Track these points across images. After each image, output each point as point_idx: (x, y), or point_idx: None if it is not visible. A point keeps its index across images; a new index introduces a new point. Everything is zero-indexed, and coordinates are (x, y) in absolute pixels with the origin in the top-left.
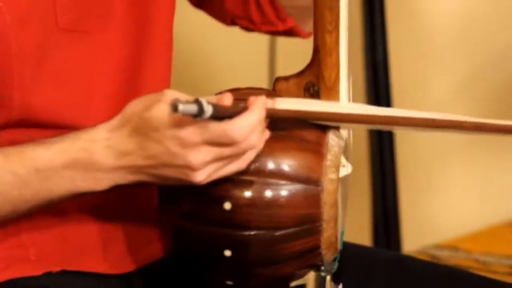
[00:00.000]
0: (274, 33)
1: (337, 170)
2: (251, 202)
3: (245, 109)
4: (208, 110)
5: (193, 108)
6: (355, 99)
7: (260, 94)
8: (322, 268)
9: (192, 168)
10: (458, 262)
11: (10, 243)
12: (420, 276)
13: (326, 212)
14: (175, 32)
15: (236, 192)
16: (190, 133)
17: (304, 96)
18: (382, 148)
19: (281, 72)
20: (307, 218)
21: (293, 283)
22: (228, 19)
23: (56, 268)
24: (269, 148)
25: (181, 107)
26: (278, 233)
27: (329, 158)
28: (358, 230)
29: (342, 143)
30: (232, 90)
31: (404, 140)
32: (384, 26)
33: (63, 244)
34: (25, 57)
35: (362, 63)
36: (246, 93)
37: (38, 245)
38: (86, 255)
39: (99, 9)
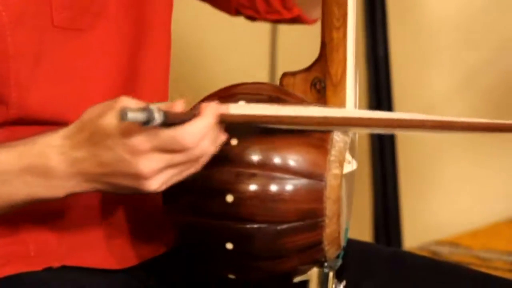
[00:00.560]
0: (280, 21)
1: (341, 166)
2: (254, 195)
3: (196, 115)
4: (158, 117)
5: (142, 115)
6: None
7: (265, 88)
8: (325, 264)
9: (144, 176)
10: (458, 258)
11: (10, 240)
12: (420, 273)
13: (329, 208)
14: (174, 30)
15: (240, 185)
16: (140, 140)
17: (311, 92)
18: (383, 145)
19: (282, 68)
20: (310, 213)
21: (296, 279)
22: (232, 9)
23: (56, 264)
24: (274, 142)
25: (129, 115)
26: (280, 227)
27: (334, 153)
28: (359, 226)
29: (348, 139)
30: (238, 85)
31: (405, 137)
32: (385, 23)
33: (64, 240)
34: (22, 55)
35: (364, 61)
36: (252, 88)
37: (38, 241)
38: (88, 251)
39: (94, 7)
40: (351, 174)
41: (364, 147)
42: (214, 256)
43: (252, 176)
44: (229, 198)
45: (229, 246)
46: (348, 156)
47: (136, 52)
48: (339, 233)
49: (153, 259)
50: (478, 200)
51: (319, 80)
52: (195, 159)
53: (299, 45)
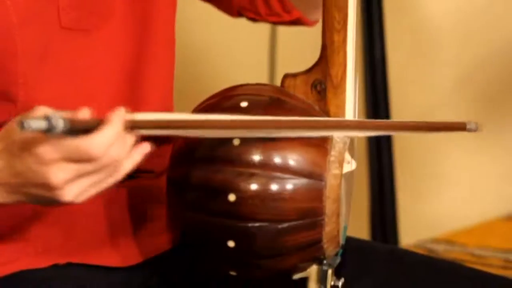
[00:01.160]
0: (280, 23)
1: (341, 166)
2: (256, 195)
3: (101, 123)
4: (59, 125)
5: (42, 124)
6: None
7: (266, 89)
8: (324, 262)
9: (55, 187)
10: (454, 255)
11: (17, 237)
12: (416, 270)
13: (329, 207)
14: (177, 30)
15: (242, 185)
16: (46, 150)
17: (312, 93)
18: (379, 143)
19: (281, 70)
20: (309, 212)
21: (296, 276)
22: (234, 10)
23: (62, 261)
24: (275, 143)
25: (27, 123)
26: (281, 225)
27: (333, 154)
28: (355, 224)
29: (347, 140)
30: (239, 86)
31: (401, 135)
32: (382, 24)
33: (70, 238)
34: (30, 55)
35: (360, 62)
36: (253, 89)
37: (44, 238)
38: (93, 248)
39: (101, 8)
40: (350, 174)
41: (361, 146)
42: (216, 254)
43: (253, 176)
44: (232, 197)
45: (231, 244)
46: (347, 156)
47: (141, 52)
48: (338, 231)
49: (156, 258)
50: (473, 199)
51: (320, 82)
52: (109, 168)
53: (298, 47)
